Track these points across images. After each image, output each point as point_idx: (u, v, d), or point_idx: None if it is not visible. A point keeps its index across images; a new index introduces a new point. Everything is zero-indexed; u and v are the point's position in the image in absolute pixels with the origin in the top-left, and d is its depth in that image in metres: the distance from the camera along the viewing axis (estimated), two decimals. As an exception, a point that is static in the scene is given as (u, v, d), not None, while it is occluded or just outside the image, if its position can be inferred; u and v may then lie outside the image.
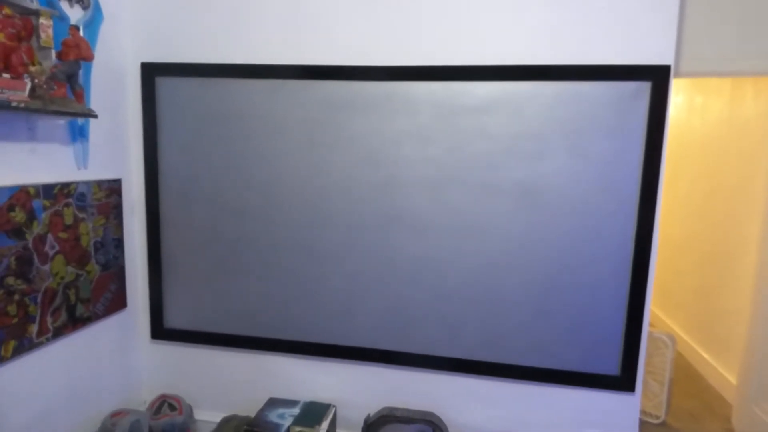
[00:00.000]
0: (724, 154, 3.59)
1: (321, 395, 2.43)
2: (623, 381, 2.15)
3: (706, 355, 3.66)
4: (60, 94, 1.78)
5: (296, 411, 2.30)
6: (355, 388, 2.40)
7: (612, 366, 2.16)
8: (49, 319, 1.95)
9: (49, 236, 1.93)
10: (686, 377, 3.61)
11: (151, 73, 2.34)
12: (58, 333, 2.00)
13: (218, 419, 2.43)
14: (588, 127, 2.05)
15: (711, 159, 3.79)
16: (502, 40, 2.08)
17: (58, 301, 1.99)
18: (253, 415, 2.38)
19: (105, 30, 2.17)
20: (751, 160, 3.21)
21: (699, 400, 3.30)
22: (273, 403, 2.37)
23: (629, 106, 2.01)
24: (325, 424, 2.22)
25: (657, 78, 1.98)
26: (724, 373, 3.37)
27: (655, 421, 2.97)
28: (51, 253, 1.94)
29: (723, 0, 2.11)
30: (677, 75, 2.12)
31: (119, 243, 2.34)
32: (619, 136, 2.03)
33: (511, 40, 2.07)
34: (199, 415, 2.50)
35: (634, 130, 2.02)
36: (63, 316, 2.02)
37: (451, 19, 2.11)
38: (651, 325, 2.15)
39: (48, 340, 1.96)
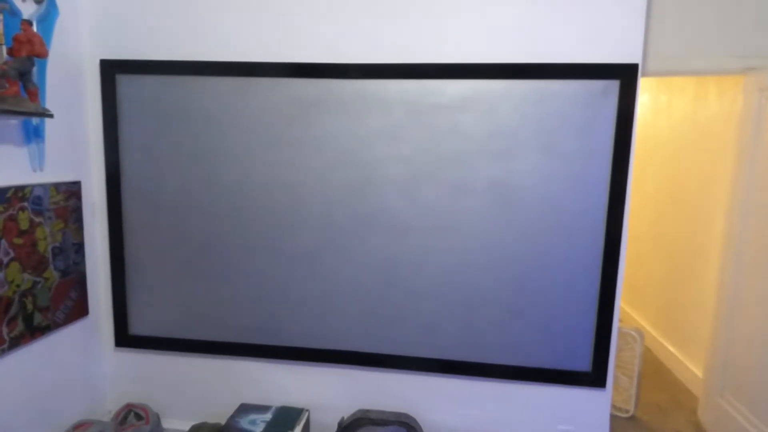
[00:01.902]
0: (690, 152, 3.68)
1: (294, 399, 2.39)
2: (595, 377, 2.18)
3: (673, 349, 3.75)
4: (12, 92, 1.69)
5: (268, 416, 2.25)
6: (328, 392, 2.37)
7: (584, 362, 2.18)
8: (4, 329, 1.86)
9: (3, 242, 1.84)
10: (654, 371, 3.69)
11: (110, 70, 2.25)
12: (15, 343, 1.91)
13: (187, 427, 2.37)
14: (559, 126, 2.06)
15: (677, 157, 3.88)
16: (473, 39, 2.07)
17: (14, 310, 1.90)
18: (223, 422, 2.32)
19: (61, 25, 2.08)
20: (716, 158, 3.30)
21: (667, 393, 3.38)
22: (244, 409, 2.31)
23: (599, 104, 2.03)
24: (298, 429, 2.18)
25: (625, 76, 2.01)
26: (690, 366, 3.46)
27: (625, 415, 3.03)
28: (5, 260, 1.85)
29: (688, 0, 2.15)
30: (644, 74, 2.16)
31: (80, 248, 2.24)
32: (589, 134, 2.05)
33: (482, 39, 2.07)
34: (168, 423, 2.44)
35: (603, 129, 2.04)
36: (20, 325, 1.93)
37: (424, 18, 2.09)
38: (619, 320, 2.19)
39: (4, 351, 1.87)
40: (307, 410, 2.32)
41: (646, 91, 4.45)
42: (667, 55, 2.21)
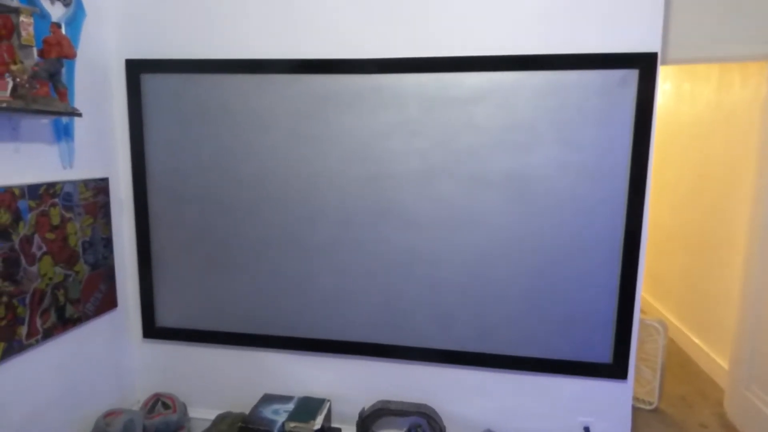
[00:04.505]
0: (713, 140, 3.61)
1: (315, 390, 2.43)
2: (616, 369, 2.17)
3: (697, 341, 3.69)
4: (43, 93, 1.75)
5: (291, 406, 2.30)
6: (349, 383, 2.41)
7: (604, 354, 2.17)
8: (38, 321, 1.93)
9: (36, 237, 1.91)
10: (678, 363, 3.64)
11: (135, 69, 2.31)
12: (48, 334, 1.99)
13: (213, 416, 2.42)
14: (576, 117, 2.05)
15: (699, 145, 3.81)
16: (489, 31, 2.07)
17: (46, 302, 1.97)
18: (247, 411, 2.37)
19: (88, 27, 2.14)
20: (740, 146, 3.23)
21: (691, 385, 3.33)
22: (267, 399, 2.37)
23: (617, 94, 2.01)
24: (319, 419, 2.22)
25: (644, 65, 1.98)
26: (715, 358, 3.40)
27: (648, 408, 3.00)
28: (38, 253, 1.92)
29: (708, -14, 2.12)
30: (664, 62, 2.12)
31: (108, 242, 2.32)
32: (607, 124, 2.03)
33: (498, 30, 2.07)
34: (194, 412, 2.50)
35: (622, 119, 2.02)
36: (52, 317, 2.00)
37: (439, 11, 2.09)
38: (642, 311, 2.16)
39: (38, 341, 1.94)
40: (328, 401, 2.36)
41: (668, 79, 4.36)
42: (688, 43, 2.17)
